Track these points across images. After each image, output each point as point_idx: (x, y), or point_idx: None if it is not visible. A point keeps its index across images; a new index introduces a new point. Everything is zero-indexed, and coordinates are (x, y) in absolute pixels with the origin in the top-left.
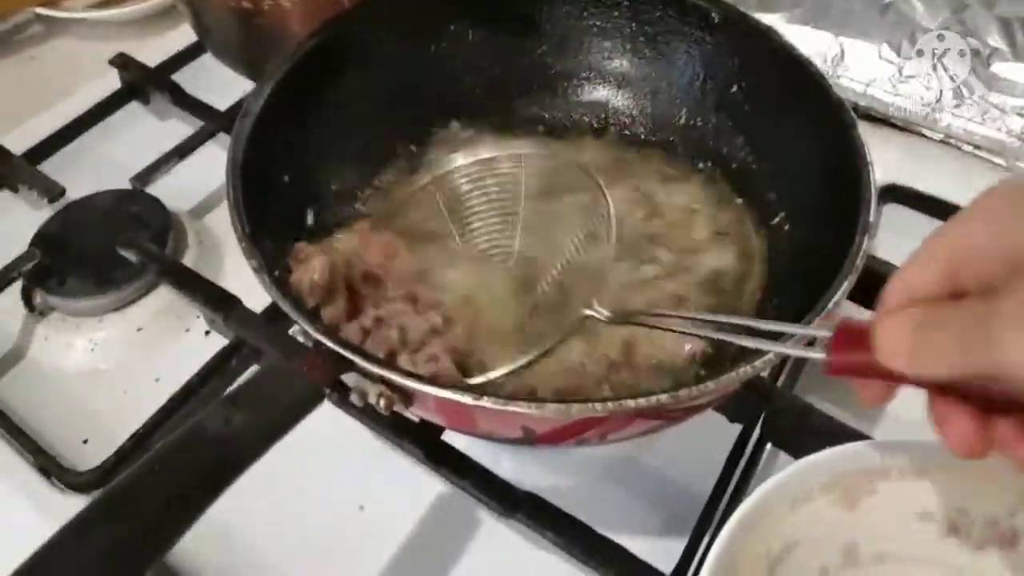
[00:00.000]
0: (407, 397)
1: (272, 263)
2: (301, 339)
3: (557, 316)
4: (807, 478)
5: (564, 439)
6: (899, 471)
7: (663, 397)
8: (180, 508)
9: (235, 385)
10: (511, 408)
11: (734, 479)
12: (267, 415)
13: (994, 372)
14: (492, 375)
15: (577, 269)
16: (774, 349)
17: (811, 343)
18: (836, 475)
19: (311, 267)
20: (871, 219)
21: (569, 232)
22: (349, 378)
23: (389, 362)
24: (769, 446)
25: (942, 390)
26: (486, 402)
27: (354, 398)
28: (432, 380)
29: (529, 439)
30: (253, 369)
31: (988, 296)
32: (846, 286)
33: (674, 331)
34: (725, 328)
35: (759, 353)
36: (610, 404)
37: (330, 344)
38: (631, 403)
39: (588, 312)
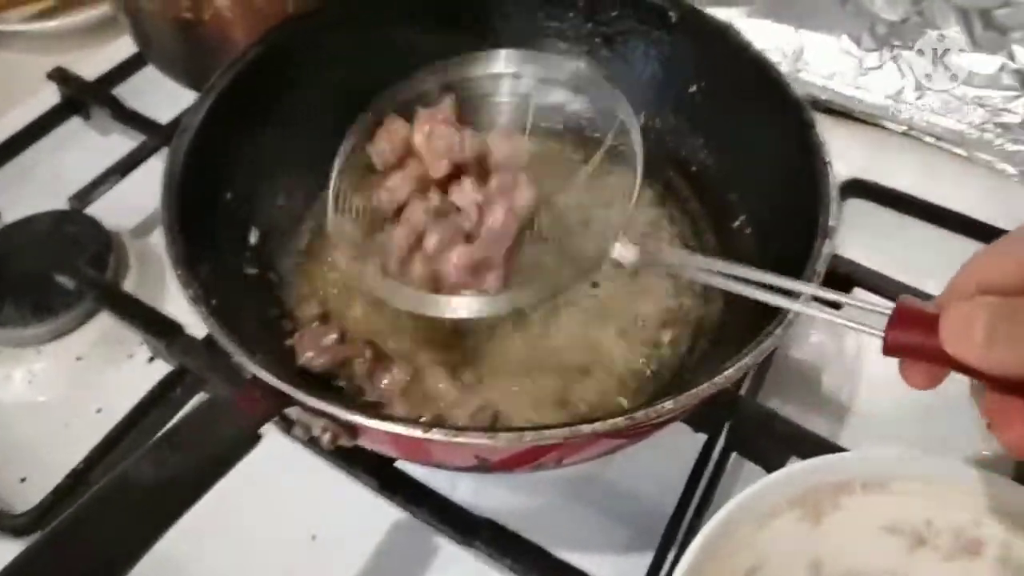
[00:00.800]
0: (353, 431)
1: (212, 289)
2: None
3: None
4: (774, 494)
5: (520, 465)
6: (863, 485)
7: (620, 421)
8: (115, 557)
9: (170, 424)
10: (461, 440)
11: (699, 491)
12: (202, 457)
13: None
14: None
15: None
16: (817, 314)
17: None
18: (802, 491)
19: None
20: (832, 223)
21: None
22: (293, 410)
23: (331, 396)
24: (734, 455)
25: (1005, 386)
26: (435, 435)
27: (297, 432)
28: (378, 414)
29: (484, 467)
30: (199, 397)
31: None
32: (808, 293)
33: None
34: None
35: (719, 370)
36: (566, 430)
37: (268, 378)
38: (587, 428)
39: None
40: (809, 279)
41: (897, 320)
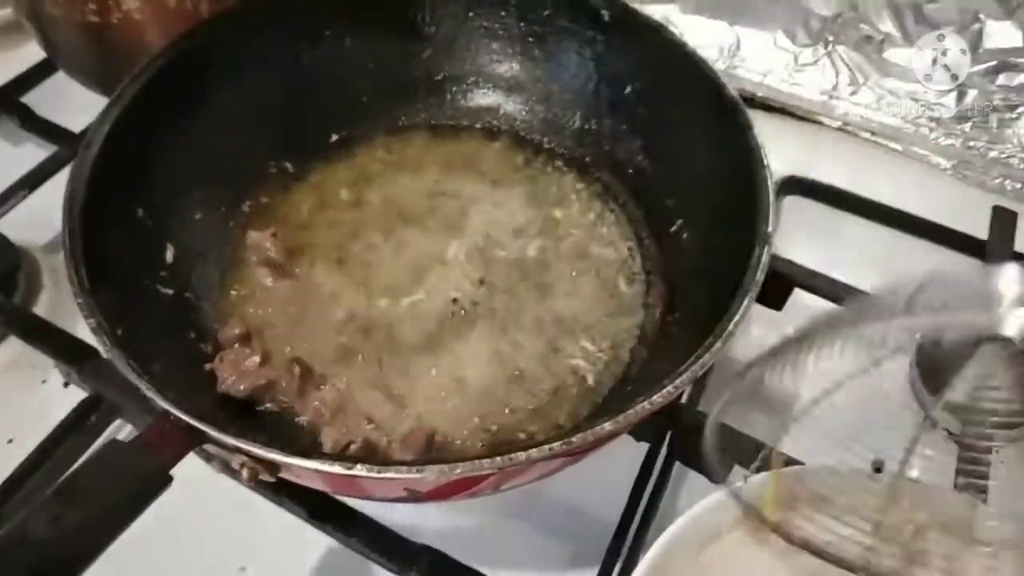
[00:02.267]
0: (273, 467)
1: (121, 316)
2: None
3: None
4: (713, 517)
5: (454, 494)
6: (808, 501)
7: (556, 445)
8: None
9: (66, 474)
10: (389, 475)
11: (643, 502)
12: (104, 507)
13: None
14: None
15: None
16: None
17: None
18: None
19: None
20: (769, 229)
21: None
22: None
23: (249, 430)
24: (678, 465)
25: None
26: (361, 470)
27: (214, 466)
28: (299, 451)
29: (416, 498)
30: (117, 424)
31: None
32: (746, 304)
33: None
34: None
35: (659, 387)
36: (499, 459)
37: (179, 414)
38: (522, 456)
39: None
40: (748, 288)
41: None
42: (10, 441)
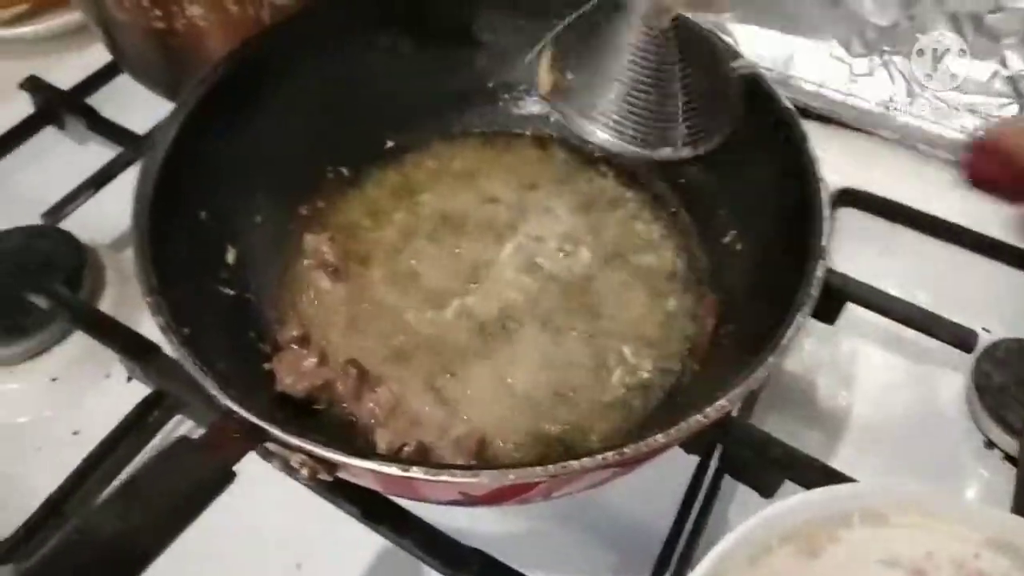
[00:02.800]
0: (332, 466)
1: (185, 315)
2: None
3: None
4: (765, 531)
5: (506, 499)
6: (861, 517)
7: (609, 455)
8: None
9: (133, 469)
10: (444, 478)
11: (693, 513)
12: (169, 504)
13: None
14: None
15: None
16: None
17: None
18: (796, 525)
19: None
20: (824, 243)
21: None
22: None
23: (310, 430)
24: (727, 477)
25: None
26: (416, 472)
27: (274, 464)
28: (357, 451)
29: (468, 502)
30: (177, 419)
31: None
32: (800, 319)
33: None
34: None
35: (712, 400)
36: (552, 467)
37: (242, 413)
38: (575, 464)
39: None
40: (803, 303)
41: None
42: (75, 433)
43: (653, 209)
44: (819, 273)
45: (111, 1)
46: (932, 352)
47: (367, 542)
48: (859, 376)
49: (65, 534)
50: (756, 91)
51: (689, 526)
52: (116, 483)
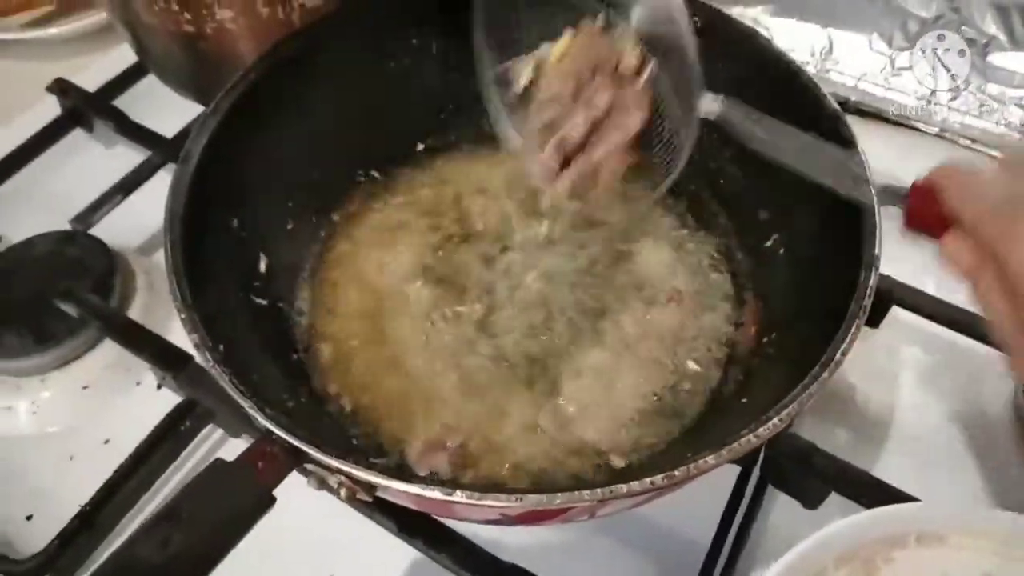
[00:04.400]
0: (371, 487)
1: (219, 328)
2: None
3: None
4: (819, 554)
5: (547, 520)
6: (918, 538)
7: (658, 478)
8: None
9: (170, 494)
10: (487, 502)
11: (735, 525)
12: (210, 529)
13: None
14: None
15: None
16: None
17: None
18: (852, 546)
19: None
20: (877, 251)
21: None
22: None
23: (349, 455)
24: (770, 488)
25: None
26: (459, 496)
27: (311, 483)
28: (398, 474)
29: (509, 522)
30: (209, 429)
31: None
32: (854, 332)
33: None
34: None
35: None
36: (599, 491)
37: (282, 434)
38: (622, 488)
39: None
40: (856, 315)
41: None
42: (106, 442)
43: (692, 212)
44: (872, 282)
45: (140, 5)
46: (978, 357)
47: (401, 553)
48: (902, 380)
49: (106, 563)
50: (798, 89)
51: (731, 537)
52: (152, 507)
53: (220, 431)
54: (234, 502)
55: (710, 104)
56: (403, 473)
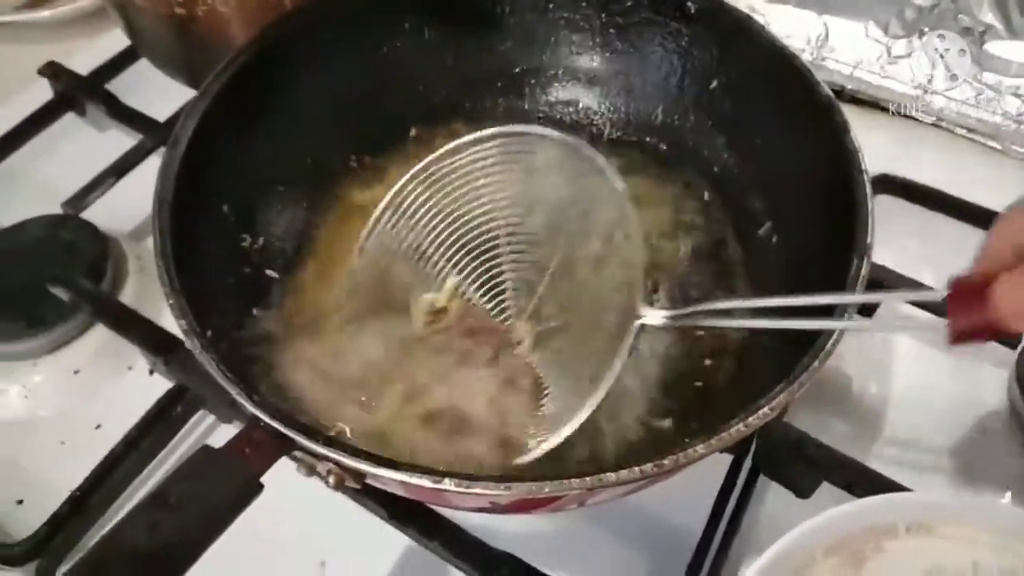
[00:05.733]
0: (360, 475)
1: (209, 313)
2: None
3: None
4: (809, 542)
5: (537, 508)
6: (908, 528)
7: (648, 467)
8: None
9: (158, 480)
10: (475, 490)
11: (726, 515)
12: (200, 515)
13: None
14: (543, 447)
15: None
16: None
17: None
18: (841, 536)
19: None
20: (869, 240)
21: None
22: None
23: (337, 441)
24: (762, 477)
25: None
26: (448, 484)
27: (300, 470)
28: (387, 462)
29: (499, 510)
30: (200, 415)
31: None
32: (845, 323)
33: (733, 326)
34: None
35: (753, 409)
36: (588, 479)
37: (270, 421)
38: (611, 476)
39: (641, 319)
40: (847, 304)
41: (955, 305)
42: (98, 427)
43: (684, 199)
44: (864, 271)
45: None
46: (974, 348)
47: (393, 540)
48: (896, 370)
49: (95, 548)
50: (792, 76)
51: (723, 527)
52: (143, 492)
53: (211, 417)
54: (222, 488)
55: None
56: (390, 461)
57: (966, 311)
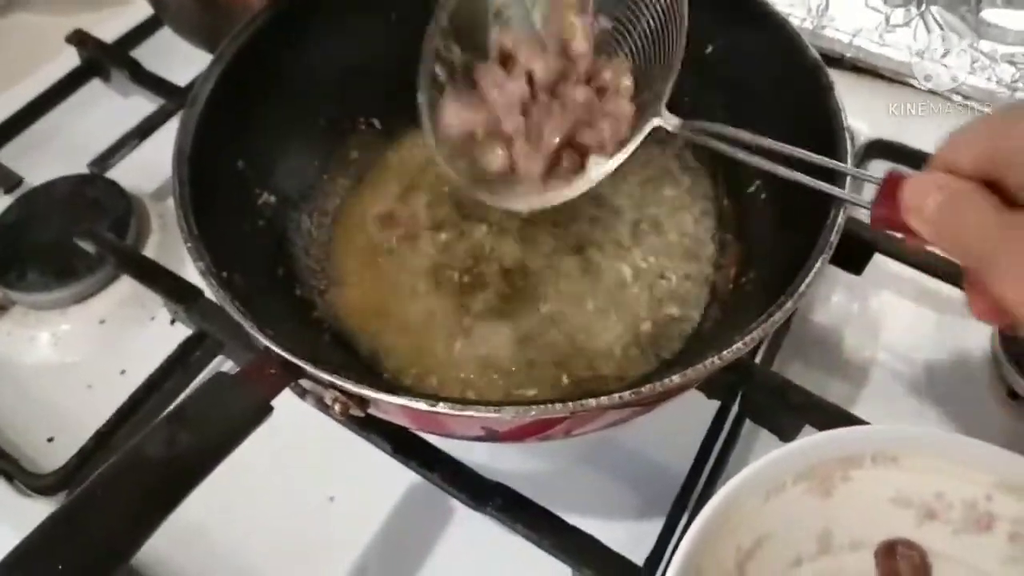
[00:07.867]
0: (363, 402)
1: (224, 258)
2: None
3: None
4: (779, 469)
5: (527, 436)
6: (873, 458)
7: (626, 394)
8: (128, 531)
9: (179, 400)
10: (468, 413)
11: (712, 458)
12: (213, 431)
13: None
14: None
15: None
16: (830, 191)
17: None
18: (810, 464)
19: None
20: (846, 193)
21: None
22: (304, 380)
23: (340, 370)
24: (748, 422)
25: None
26: (442, 407)
27: (309, 401)
28: (386, 387)
29: (492, 438)
30: (219, 359)
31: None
32: (819, 264)
33: (736, 158)
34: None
35: (728, 343)
36: (571, 404)
37: (279, 351)
38: (592, 402)
39: (657, 121)
40: (823, 249)
41: (881, 194)
42: (122, 372)
43: (679, 159)
44: (840, 219)
45: None
46: (958, 302)
47: (398, 477)
48: (885, 326)
49: (118, 458)
50: (783, 40)
51: (708, 467)
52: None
53: (229, 363)
54: (235, 409)
55: None
56: (389, 386)
57: (887, 201)
